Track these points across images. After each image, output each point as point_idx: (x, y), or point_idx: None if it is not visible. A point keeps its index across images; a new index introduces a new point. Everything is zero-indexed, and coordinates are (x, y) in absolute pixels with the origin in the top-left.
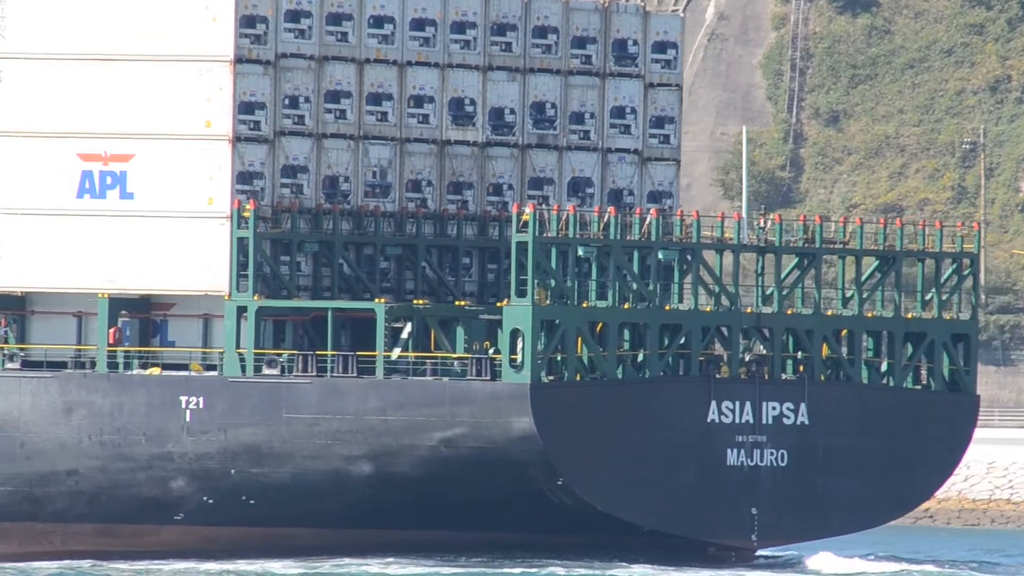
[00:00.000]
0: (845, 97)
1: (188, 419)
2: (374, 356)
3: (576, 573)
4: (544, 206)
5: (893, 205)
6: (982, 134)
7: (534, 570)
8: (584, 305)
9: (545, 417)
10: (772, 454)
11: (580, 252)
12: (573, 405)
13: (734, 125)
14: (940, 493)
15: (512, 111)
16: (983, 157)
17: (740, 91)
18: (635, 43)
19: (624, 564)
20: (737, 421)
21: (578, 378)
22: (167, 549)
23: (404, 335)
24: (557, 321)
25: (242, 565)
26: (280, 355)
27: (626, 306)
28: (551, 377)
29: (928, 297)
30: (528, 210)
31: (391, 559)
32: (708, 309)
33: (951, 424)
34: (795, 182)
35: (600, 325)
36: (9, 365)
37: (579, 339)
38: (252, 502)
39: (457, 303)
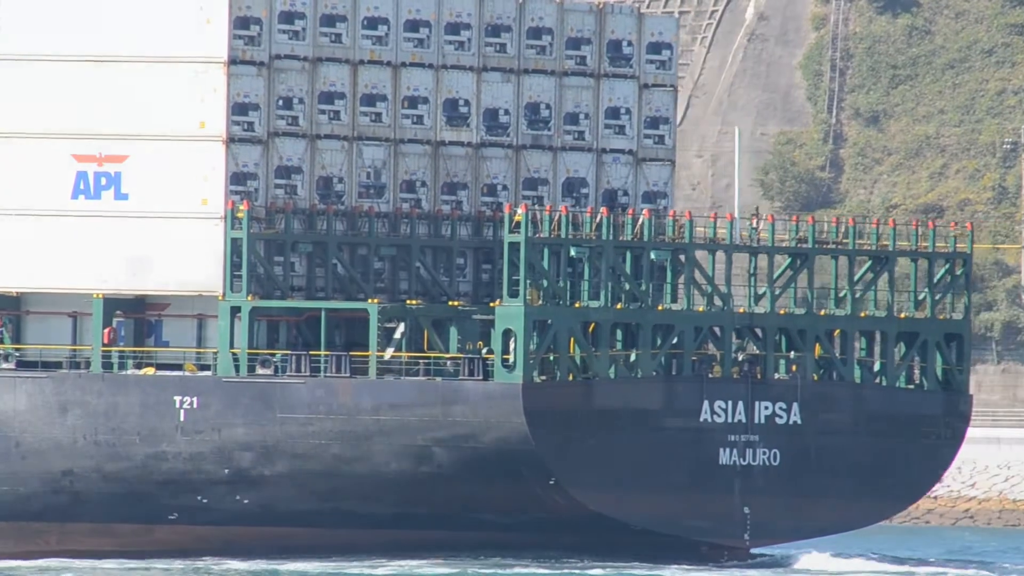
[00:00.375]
0: (885, 97)
1: (182, 419)
2: (367, 356)
3: (616, 573)
4: (536, 206)
5: (933, 205)
6: (1023, 134)
7: (574, 571)
8: (576, 305)
9: (537, 417)
10: (764, 453)
11: (572, 252)
12: (565, 405)
13: (774, 126)
14: (981, 494)
15: (506, 112)
16: None
17: (780, 92)
18: (629, 44)
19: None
20: (729, 420)
21: (571, 378)
22: (162, 548)
23: (397, 335)
24: (549, 321)
25: (290, 565)
26: (274, 355)
27: (619, 306)
28: (543, 377)
29: (921, 297)
30: (520, 211)
31: (439, 560)
32: (701, 309)
33: (944, 423)
34: (835, 183)
35: (592, 325)
36: (4, 365)
37: (571, 339)
38: (246, 502)
39: (451, 303)
